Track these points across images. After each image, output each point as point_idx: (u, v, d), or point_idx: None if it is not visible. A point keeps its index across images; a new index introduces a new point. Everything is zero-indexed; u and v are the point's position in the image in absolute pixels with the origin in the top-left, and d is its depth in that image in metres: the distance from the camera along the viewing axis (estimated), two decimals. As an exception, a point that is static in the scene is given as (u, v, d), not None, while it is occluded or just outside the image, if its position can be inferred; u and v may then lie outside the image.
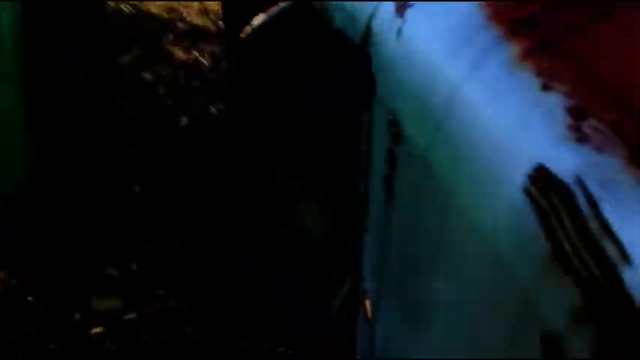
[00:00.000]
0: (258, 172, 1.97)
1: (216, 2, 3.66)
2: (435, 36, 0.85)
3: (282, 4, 1.77)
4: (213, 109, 3.03)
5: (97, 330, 2.37)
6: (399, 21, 0.89)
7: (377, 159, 1.03)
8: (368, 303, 1.28)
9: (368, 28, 0.95)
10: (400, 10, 0.90)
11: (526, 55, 0.76)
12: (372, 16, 0.94)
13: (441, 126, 0.82)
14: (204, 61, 3.23)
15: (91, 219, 2.68)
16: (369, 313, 1.27)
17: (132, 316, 2.41)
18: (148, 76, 3.12)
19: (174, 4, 3.69)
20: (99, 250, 2.59)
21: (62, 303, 2.43)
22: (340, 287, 1.46)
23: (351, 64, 1.06)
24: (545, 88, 0.72)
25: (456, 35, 0.83)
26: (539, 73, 0.74)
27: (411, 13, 0.89)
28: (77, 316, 2.41)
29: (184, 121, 2.98)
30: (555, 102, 0.71)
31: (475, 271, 0.80)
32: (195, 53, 3.25)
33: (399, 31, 0.89)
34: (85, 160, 2.65)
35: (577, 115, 0.69)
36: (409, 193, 0.94)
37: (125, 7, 3.65)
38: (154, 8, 3.66)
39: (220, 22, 3.38)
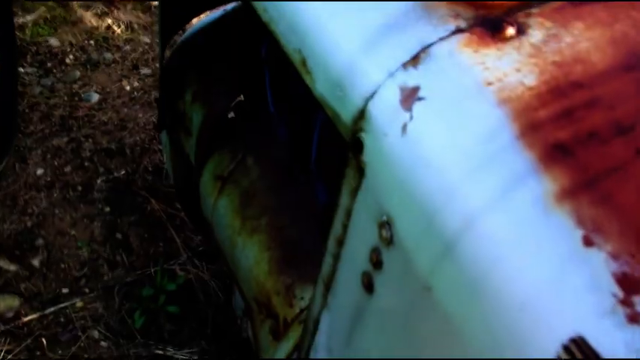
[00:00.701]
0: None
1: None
2: (450, 144, 0.73)
3: (195, 23, 1.60)
4: (126, 86, 2.77)
5: (-8, 334, 2.15)
6: (405, 114, 0.77)
7: (354, 248, 0.92)
8: (318, 369, 1.18)
9: (363, 112, 0.81)
10: (407, 101, 0.77)
11: (563, 195, 0.66)
12: (368, 99, 0.81)
13: (452, 255, 0.71)
14: (119, 31, 2.94)
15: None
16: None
17: (32, 317, 2.20)
18: (54, 42, 2.80)
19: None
20: (-5, 242, 2.34)
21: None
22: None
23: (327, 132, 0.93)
24: (588, 243, 0.63)
25: (478, 150, 0.71)
26: (580, 222, 0.64)
27: (420, 107, 0.76)
28: (-32, 318, 2.17)
29: (94, 97, 2.71)
30: (600, 263, 0.62)
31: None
32: (109, 21, 2.95)
33: (405, 128, 0.77)
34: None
35: (627, 286, 0.60)
36: (399, 306, 0.83)
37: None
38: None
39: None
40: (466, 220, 0.70)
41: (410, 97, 0.78)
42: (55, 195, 2.51)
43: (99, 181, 2.55)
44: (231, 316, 2.20)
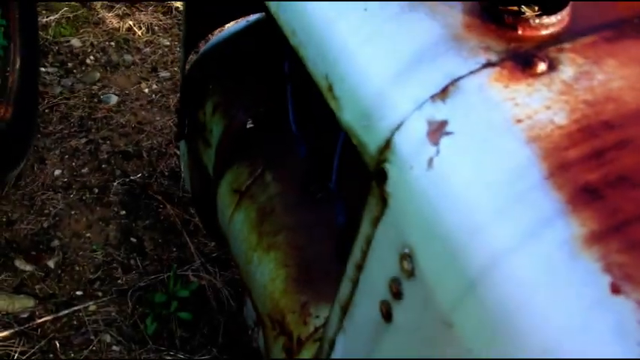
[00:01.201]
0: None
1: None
2: (477, 181, 0.73)
3: (219, 33, 1.60)
4: (145, 89, 2.78)
5: (4, 334, 2.16)
6: (431, 148, 0.76)
7: (374, 276, 0.91)
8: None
9: (388, 143, 0.81)
10: (434, 135, 0.77)
11: (592, 240, 0.65)
12: (395, 130, 0.80)
13: (475, 293, 0.71)
14: (139, 33, 2.95)
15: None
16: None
17: (46, 318, 2.21)
18: (76, 42, 2.82)
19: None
20: (9, 241, 2.35)
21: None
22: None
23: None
24: (615, 290, 0.62)
25: (505, 189, 0.71)
26: (608, 268, 0.63)
27: (447, 142, 0.76)
28: (-19, 317, 2.19)
29: (113, 99, 2.72)
30: (627, 311, 0.61)
31: None
32: (130, 22, 2.96)
33: (431, 162, 0.76)
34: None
35: (655, 336, 0.60)
36: (418, 338, 0.83)
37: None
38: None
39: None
40: (491, 259, 0.70)
41: (437, 131, 0.77)
42: (72, 196, 2.52)
43: (115, 184, 2.56)
44: (243, 324, 2.20)
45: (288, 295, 1.36)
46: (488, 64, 0.80)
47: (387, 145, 0.82)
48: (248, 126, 1.65)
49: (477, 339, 0.72)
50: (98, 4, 2.97)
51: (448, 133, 0.76)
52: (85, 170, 2.59)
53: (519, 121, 0.74)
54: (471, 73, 0.79)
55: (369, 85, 0.85)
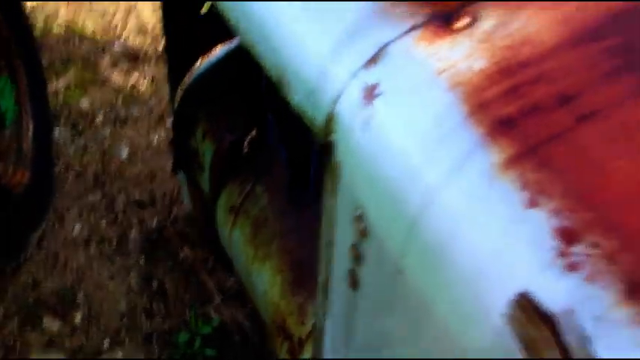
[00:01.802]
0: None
1: (156, 20, 3.50)
2: (408, 132, 0.77)
3: (200, 64, 1.68)
4: (154, 139, 2.88)
5: (37, 388, 2.21)
6: (367, 110, 0.81)
7: (340, 248, 0.95)
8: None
9: (331, 115, 0.86)
10: (368, 98, 0.82)
11: (509, 164, 0.69)
12: (336, 101, 0.86)
13: (416, 233, 0.74)
14: (144, 86, 3.08)
15: (24, 264, 2.52)
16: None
17: (76, 370, 2.27)
18: (85, 103, 2.95)
19: (110, 22, 3.49)
20: (36, 300, 2.42)
21: (-4, 359, 2.26)
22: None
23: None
24: (531, 204, 0.66)
25: (432, 133, 0.75)
26: (524, 186, 0.67)
27: (380, 102, 0.81)
28: (14, 373, 2.25)
29: (124, 152, 2.83)
30: (542, 221, 0.64)
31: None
32: (134, 77, 3.09)
33: (367, 122, 0.81)
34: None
35: (566, 238, 0.63)
36: (380, 294, 0.86)
37: (56, 27, 3.45)
38: (89, 24, 3.47)
39: (161, 45, 3.23)
40: (425, 200, 0.73)
41: (370, 93, 0.82)
42: (92, 250, 2.60)
43: (133, 233, 2.63)
44: (268, 354, 2.22)
45: (286, 299, 1.39)
46: (414, 28, 0.85)
47: (331, 117, 0.87)
48: (245, 151, 1.72)
49: (423, 277, 0.75)
50: (103, 64, 3.13)
51: (380, 94, 0.81)
52: (102, 224, 2.67)
53: (442, 71, 0.79)
54: (398, 37, 0.84)
55: (311, 66, 0.91)
